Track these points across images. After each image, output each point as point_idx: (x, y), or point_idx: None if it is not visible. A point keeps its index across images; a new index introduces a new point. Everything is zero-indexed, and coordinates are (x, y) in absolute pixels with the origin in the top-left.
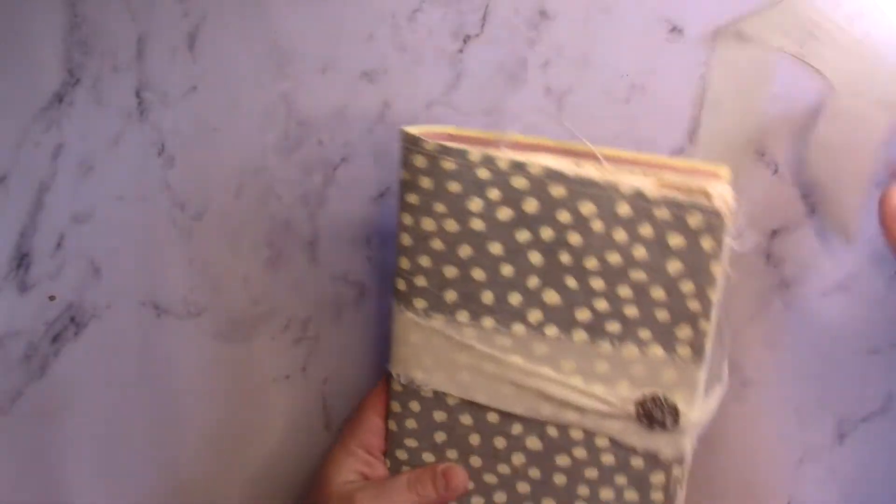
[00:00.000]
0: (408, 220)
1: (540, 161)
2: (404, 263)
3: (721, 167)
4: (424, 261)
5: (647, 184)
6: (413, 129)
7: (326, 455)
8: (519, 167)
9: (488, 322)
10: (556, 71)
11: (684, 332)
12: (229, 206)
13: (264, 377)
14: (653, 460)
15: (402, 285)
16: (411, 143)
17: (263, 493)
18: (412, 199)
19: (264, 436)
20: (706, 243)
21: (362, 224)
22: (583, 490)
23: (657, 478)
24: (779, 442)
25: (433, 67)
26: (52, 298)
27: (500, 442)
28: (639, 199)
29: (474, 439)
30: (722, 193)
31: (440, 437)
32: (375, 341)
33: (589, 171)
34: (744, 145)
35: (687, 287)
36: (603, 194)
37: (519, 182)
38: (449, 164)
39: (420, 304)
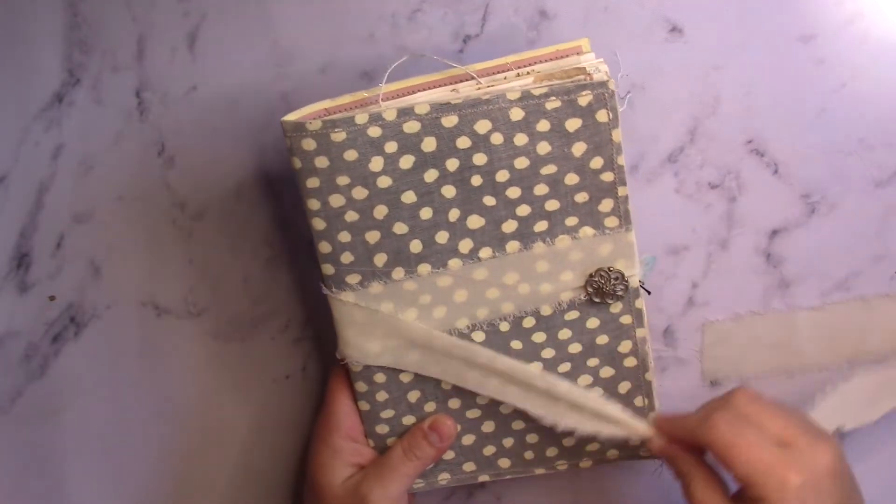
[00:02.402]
0: (315, 204)
1: (423, 99)
2: (325, 247)
3: (581, 41)
4: (343, 236)
5: (528, 83)
6: (291, 116)
7: (312, 461)
8: (406, 112)
9: (424, 268)
10: None
11: (606, 205)
12: (229, 206)
13: (264, 377)
14: (616, 331)
15: (329, 269)
16: (296, 130)
17: (264, 492)
18: (313, 182)
19: (264, 436)
20: (601, 116)
21: None
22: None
23: (625, 346)
24: None
25: (433, 67)
26: (52, 298)
27: (472, 375)
28: (528, 99)
29: (446, 385)
30: (596, 65)
31: (414, 395)
32: None
33: (471, 92)
34: None
35: (596, 163)
36: (494, 108)
37: (411, 126)
38: (339, 136)
39: (353, 279)
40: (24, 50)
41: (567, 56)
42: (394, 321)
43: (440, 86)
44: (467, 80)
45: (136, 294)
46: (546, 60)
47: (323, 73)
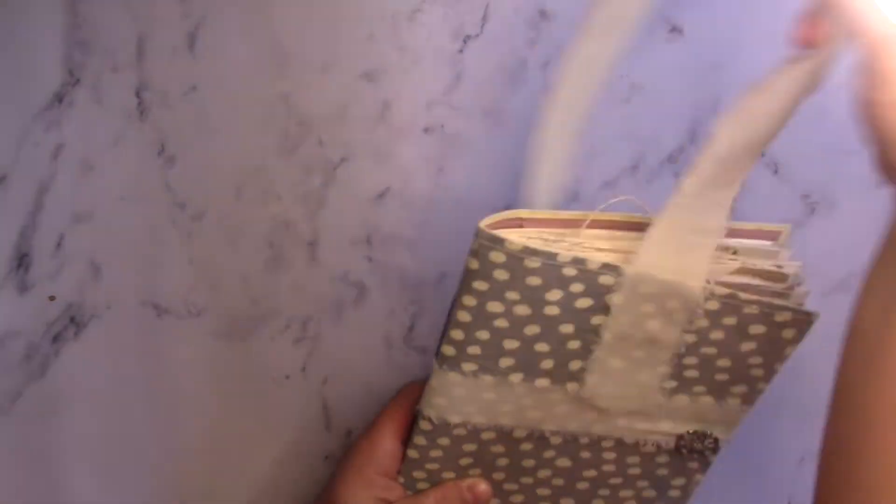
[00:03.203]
0: (470, 301)
1: (633, 267)
2: (457, 335)
3: (783, 226)
4: (482, 335)
5: (729, 270)
6: (487, 222)
7: (341, 485)
8: (610, 268)
9: (543, 382)
10: (556, 71)
11: (739, 388)
12: (229, 206)
13: (264, 377)
14: (678, 471)
15: (450, 351)
16: (492, 242)
17: (263, 493)
18: (481, 286)
19: (264, 436)
20: (787, 334)
21: (362, 224)
22: (603, 491)
23: (678, 481)
24: (779, 442)
25: (433, 67)
26: (52, 298)
27: (528, 462)
28: (730, 299)
29: (502, 461)
30: (797, 271)
31: (465, 461)
32: (375, 341)
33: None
34: None
35: (755, 360)
36: (692, 294)
37: (607, 280)
38: (533, 263)
39: (470, 367)
40: (23, 50)
41: (765, 235)
42: (490, 404)
43: (640, 230)
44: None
45: (136, 294)
46: (744, 234)
47: (323, 73)
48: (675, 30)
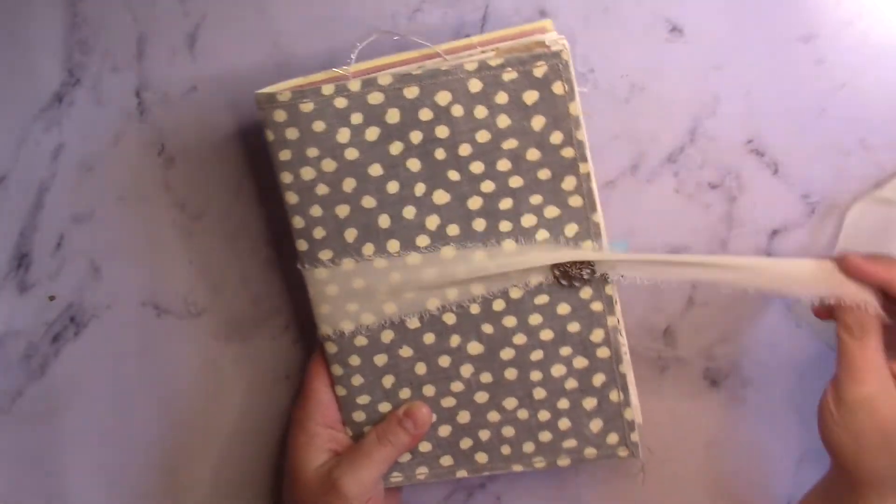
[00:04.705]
0: (287, 177)
1: (387, 72)
2: (298, 222)
3: (545, 21)
4: (315, 210)
5: (488, 56)
6: (265, 91)
7: (289, 445)
8: (370, 83)
9: (393, 245)
10: None
11: (569, 182)
12: (229, 206)
13: (264, 377)
14: (587, 319)
15: (303, 245)
16: (268, 102)
17: (264, 492)
18: (284, 155)
19: (264, 436)
20: (557, 88)
21: None
22: (535, 375)
23: (597, 334)
24: (779, 442)
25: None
26: (52, 298)
27: (444, 360)
28: (485, 70)
29: (420, 368)
30: (556, 39)
31: (388, 380)
32: None
33: (433, 63)
34: None
35: (556, 137)
36: (453, 78)
37: (375, 97)
38: (307, 106)
39: (326, 255)
40: (23, 50)
41: (531, 35)
42: (366, 294)
43: (408, 63)
44: (435, 58)
45: (136, 294)
46: (510, 38)
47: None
48: (675, 30)
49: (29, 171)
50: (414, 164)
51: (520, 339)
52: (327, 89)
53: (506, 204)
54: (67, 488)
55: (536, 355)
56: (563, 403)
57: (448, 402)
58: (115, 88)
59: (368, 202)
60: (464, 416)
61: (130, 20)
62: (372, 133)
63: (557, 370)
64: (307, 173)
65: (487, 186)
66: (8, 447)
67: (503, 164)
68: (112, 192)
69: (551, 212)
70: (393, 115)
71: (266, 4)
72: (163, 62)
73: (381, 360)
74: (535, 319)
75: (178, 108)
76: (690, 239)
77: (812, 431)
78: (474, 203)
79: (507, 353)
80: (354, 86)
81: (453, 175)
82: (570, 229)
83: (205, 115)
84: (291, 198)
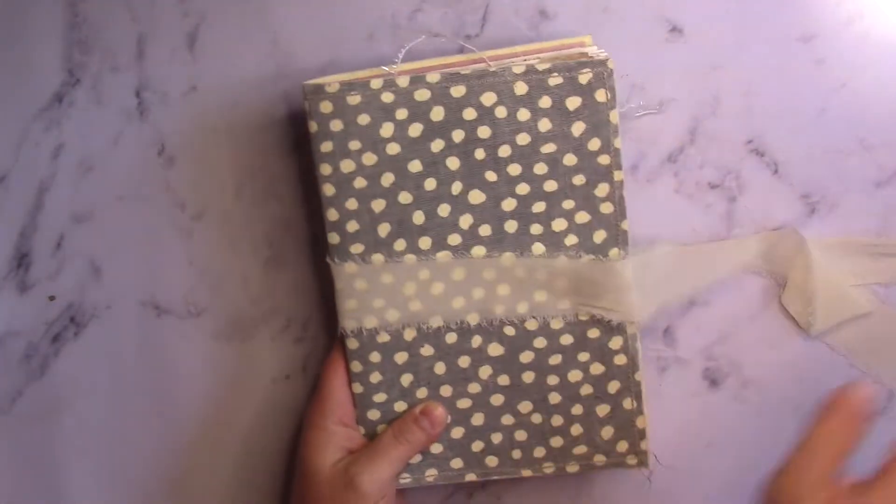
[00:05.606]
0: (326, 169)
1: (435, 70)
2: (332, 215)
3: (586, 36)
4: (351, 203)
5: (535, 61)
6: (312, 81)
7: (304, 442)
8: (418, 80)
9: (425, 242)
10: None
11: (602, 189)
12: (229, 206)
13: (264, 377)
14: (607, 326)
15: (335, 238)
16: (315, 92)
17: (264, 491)
18: (326, 146)
19: (264, 436)
20: (600, 95)
21: None
22: (552, 379)
23: (616, 342)
24: (779, 442)
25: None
26: (52, 298)
27: (464, 361)
28: (532, 74)
29: (439, 368)
30: (598, 52)
31: (407, 379)
32: None
33: (481, 66)
34: None
35: (594, 144)
36: (500, 80)
37: (422, 94)
38: (355, 99)
39: (357, 248)
40: (24, 50)
41: (571, 46)
42: (393, 290)
43: (455, 66)
44: (480, 63)
45: (136, 294)
46: (551, 49)
47: (323, 73)
48: (675, 30)
49: (29, 171)
50: (453, 163)
51: (540, 342)
52: (375, 83)
53: (539, 207)
54: (67, 488)
55: (555, 359)
56: (577, 409)
57: (464, 403)
58: (115, 88)
59: (405, 198)
60: (478, 419)
61: (130, 20)
62: (415, 129)
63: (574, 375)
64: (347, 166)
65: (523, 189)
66: (8, 447)
67: (540, 168)
68: (112, 192)
69: (582, 217)
70: (437, 113)
71: (266, 4)
72: (163, 62)
73: (401, 357)
74: (556, 324)
75: (178, 108)
76: (690, 239)
77: None
78: (508, 205)
79: (526, 356)
80: (403, 81)
81: (490, 176)
82: (599, 235)
83: (205, 115)
84: (328, 189)
